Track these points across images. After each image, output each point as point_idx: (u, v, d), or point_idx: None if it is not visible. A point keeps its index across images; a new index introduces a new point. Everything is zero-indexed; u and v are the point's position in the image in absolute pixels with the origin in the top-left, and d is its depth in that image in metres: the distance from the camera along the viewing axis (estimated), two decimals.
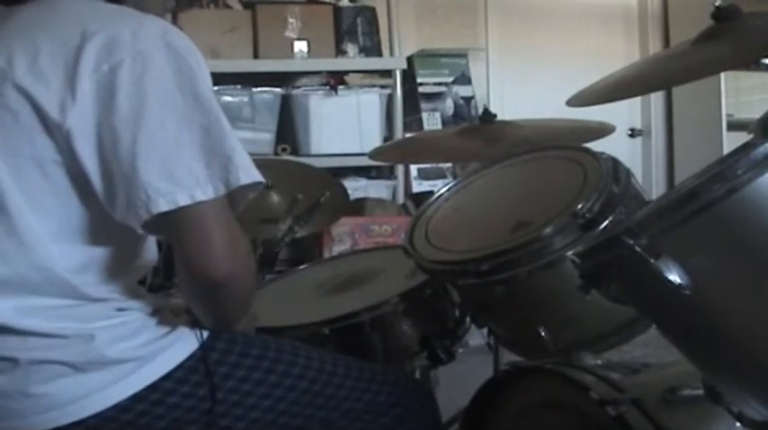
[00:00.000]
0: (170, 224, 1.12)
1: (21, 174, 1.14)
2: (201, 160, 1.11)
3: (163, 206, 1.09)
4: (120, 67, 1.10)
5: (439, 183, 3.60)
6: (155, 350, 1.19)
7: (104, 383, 1.15)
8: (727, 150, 1.66)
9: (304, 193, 2.27)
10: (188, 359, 1.20)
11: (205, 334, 1.23)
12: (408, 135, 3.61)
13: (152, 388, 1.17)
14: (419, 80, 3.86)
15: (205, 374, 1.21)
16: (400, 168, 3.71)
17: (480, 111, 2.10)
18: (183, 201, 1.09)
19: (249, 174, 1.14)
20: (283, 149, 3.54)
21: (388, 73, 3.66)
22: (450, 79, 3.93)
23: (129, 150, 1.09)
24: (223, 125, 1.14)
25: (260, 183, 1.16)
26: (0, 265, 1.14)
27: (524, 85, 4.12)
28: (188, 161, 1.11)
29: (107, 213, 1.14)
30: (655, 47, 4.32)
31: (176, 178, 1.09)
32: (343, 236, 3.24)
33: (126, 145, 1.09)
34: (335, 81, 3.55)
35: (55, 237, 1.15)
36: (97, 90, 1.10)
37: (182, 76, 1.12)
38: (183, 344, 1.21)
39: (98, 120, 1.10)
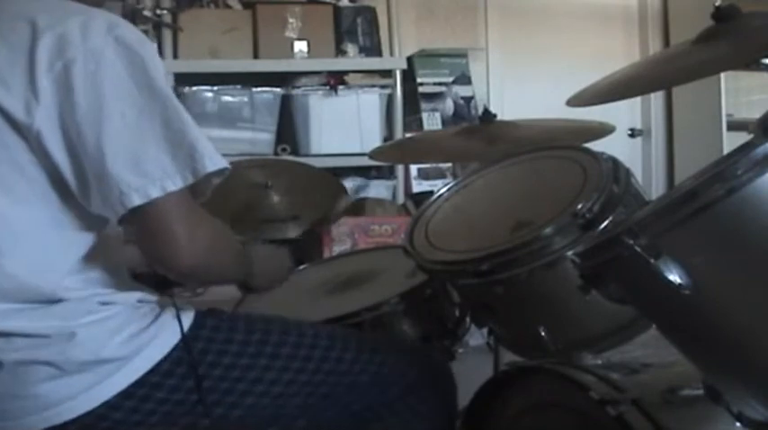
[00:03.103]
0: (138, 217, 1.13)
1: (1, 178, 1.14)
2: (167, 151, 1.13)
3: (136, 200, 1.11)
4: (72, 65, 1.11)
5: (439, 183, 3.59)
6: (138, 345, 1.19)
7: (91, 383, 1.16)
8: (727, 150, 1.66)
9: (304, 193, 2.27)
10: (173, 350, 1.20)
11: (187, 323, 1.23)
12: (408, 135, 3.61)
13: (139, 383, 1.17)
14: (419, 80, 3.86)
15: (189, 365, 1.21)
16: (400, 168, 3.71)
17: (480, 111, 2.10)
18: (156, 193, 1.11)
19: (215, 161, 1.15)
20: (283, 149, 3.54)
21: (388, 73, 3.65)
22: (451, 79, 3.92)
23: (94, 147, 1.11)
24: (182, 115, 1.15)
25: (226, 169, 1.17)
26: None
27: (524, 85, 4.12)
28: (154, 153, 1.12)
29: (85, 209, 1.16)
30: (655, 47, 4.31)
31: (145, 171, 1.11)
32: (343, 236, 3.24)
33: (91, 142, 1.11)
34: (335, 81, 3.55)
35: (34, 240, 1.16)
36: (56, 88, 1.11)
37: (134, 68, 1.13)
38: (166, 336, 1.21)
39: (61, 118, 1.12)
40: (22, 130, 1.12)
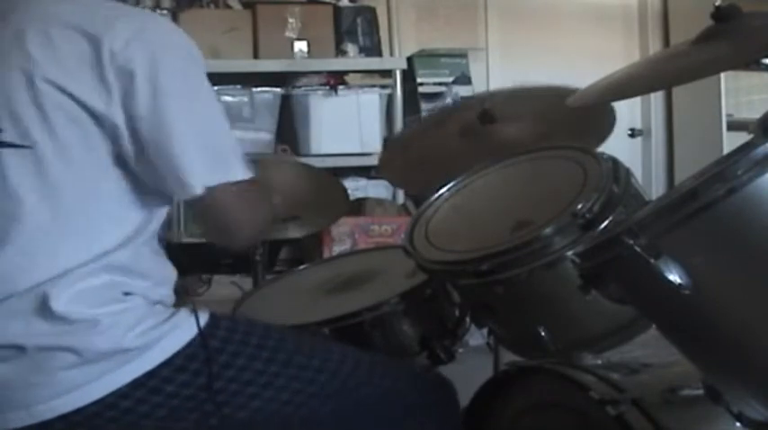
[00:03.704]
0: (198, 205, 1.24)
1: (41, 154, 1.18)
2: (203, 157, 1.22)
3: (181, 195, 1.22)
4: (133, 62, 1.16)
5: None
6: (154, 337, 1.20)
7: (104, 370, 1.17)
8: (727, 150, 1.66)
9: (304, 193, 2.27)
10: (187, 346, 1.22)
11: (204, 321, 1.24)
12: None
13: (150, 374, 1.18)
14: (419, 80, 3.86)
15: (204, 362, 1.21)
16: None
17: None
18: (185, 195, 1.22)
19: (244, 170, 1.25)
20: (283, 149, 3.54)
21: (388, 73, 3.65)
22: (451, 79, 3.92)
23: (147, 143, 1.19)
24: (222, 122, 1.26)
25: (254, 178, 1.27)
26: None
27: None
28: (191, 157, 1.20)
29: (131, 195, 1.23)
30: (655, 47, 4.31)
31: (182, 172, 1.20)
32: (343, 236, 3.24)
33: (146, 139, 1.18)
34: (335, 81, 3.55)
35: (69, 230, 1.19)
36: (120, 85, 1.16)
37: (187, 73, 1.22)
38: (183, 330, 1.22)
39: (127, 114, 1.17)
40: (101, 121, 1.18)
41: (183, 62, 1.22)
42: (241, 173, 1.24)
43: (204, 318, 1.25)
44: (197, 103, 1.22)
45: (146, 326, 1.20)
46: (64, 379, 1.15)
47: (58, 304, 1.15)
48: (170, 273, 1.30)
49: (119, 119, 1.17)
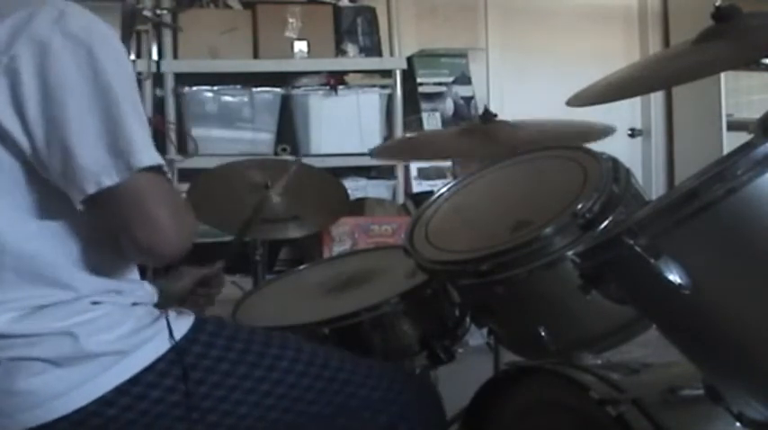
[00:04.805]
0: (107, 205, 1.13)
1: None
2: (104, 146, 1.11)
3: (76, 195, 1.11)
4: (19, 58, 1.10)
5: (439, 183, 3.59)
6: (136, 342, 1.18)
7: (86, 377, 1.15)
8: (727, 150, 1.66)
9: (304, 193, 2.27)
10: (169, 351, 1.20)
11: (187, 326, 1.23)
12: (408, 135, 3.61)
13: (134, 381, 1.17)
14: (419, 80, 3.86)
15: (188, 366, 1.20)
16: (400, 168, 3.71)
17: (480, 111, 2.10)
18: (91, 188, 1.10)
19: (151, 156, 1.14)
20: (283, 149, 3.54)
21: (388, 73, 3.65)
22: (451, 79, 3.92)
23: (42, 139, 1.11)
24: (124, 108, 1.13)
25: (162, 164, 1.16)
26: None
27: (524, 85, 4.12)
28: (91, 149, 1.11)
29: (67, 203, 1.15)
30: (655, 47, 4.32)
31: (80, 166, 1.10)
32: (343, 236, 3.24)
33: (38, 134, 1.10)
34: (335, 81, 3.55)
35: (19, 236, 1.15)
36: (6, 82, 1.10)
37: (80, 60, 1.11)
38: (165, 335, 1.21)
39: (17, 109, 1.11)
40: None
41: (77, 46, 1.11)
42: (148, 158, 1.12)
43: (188, 323, 1.24)
44: (94, 89, 1.11)
45: (125, 330, 1.18)
46: (40, 386, 1.14)
47: (19, 327, 1.14)
48: (135, 275, 1.26)
49: (9, 121, 1.10)
